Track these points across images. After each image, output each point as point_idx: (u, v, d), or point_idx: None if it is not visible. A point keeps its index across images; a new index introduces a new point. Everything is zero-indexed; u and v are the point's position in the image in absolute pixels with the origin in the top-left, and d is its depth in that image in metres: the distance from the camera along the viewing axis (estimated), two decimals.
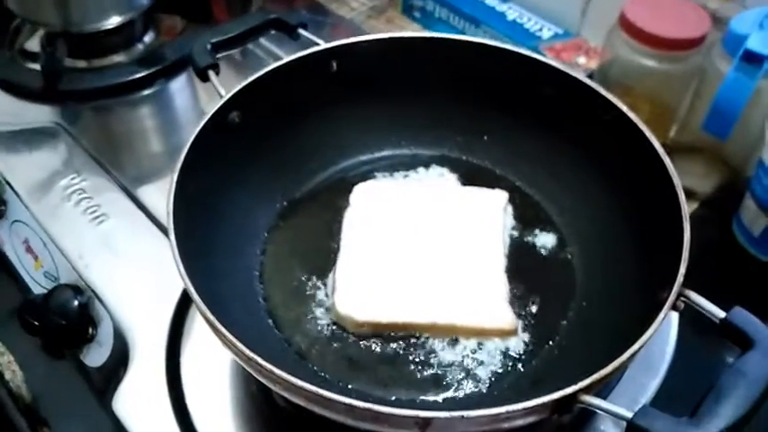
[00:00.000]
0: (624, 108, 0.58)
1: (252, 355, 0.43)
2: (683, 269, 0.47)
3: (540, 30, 0.91)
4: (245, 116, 0.61)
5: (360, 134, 0.69)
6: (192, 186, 0.55)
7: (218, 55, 0.63)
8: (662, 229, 0.53)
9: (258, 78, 0.60)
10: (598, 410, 0.42)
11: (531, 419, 0.44)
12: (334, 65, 0.65)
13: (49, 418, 0.66)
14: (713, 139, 0.78)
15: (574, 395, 0.42)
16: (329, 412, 0.44)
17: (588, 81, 0.61)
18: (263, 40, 0.87)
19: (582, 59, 0.89)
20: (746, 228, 0.76)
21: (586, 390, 0.42)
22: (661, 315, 0.45)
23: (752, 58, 0.69)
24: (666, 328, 0.60)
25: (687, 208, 0.51)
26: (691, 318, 0.60)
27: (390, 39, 0.65)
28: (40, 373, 0.68)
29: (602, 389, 0.47)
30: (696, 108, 0.80)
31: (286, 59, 0.62)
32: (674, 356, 0.59)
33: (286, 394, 0.45)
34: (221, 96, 0.59)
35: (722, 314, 0.45)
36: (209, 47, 0.62)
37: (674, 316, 0.61)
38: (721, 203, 0.81)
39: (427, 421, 0.41)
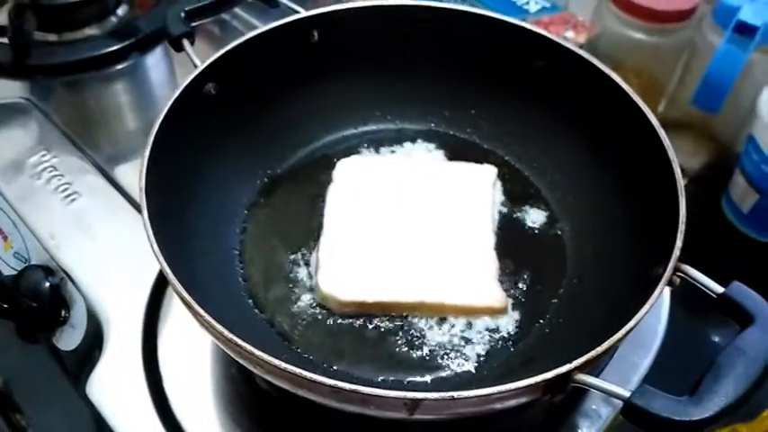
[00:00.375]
0: (618, 79, 0.56)
1: (231, 336, 0.42)
2: (679, 243, 0.46)
3: (528, 3, 0.89)
4: (221, 88, 0.58)
5: (343, 108, 0.67)
6: (167, 161, 0.52)
7: (193, 23, 0.60)
8: (656, 204, 0.51)
9: (234, 48, 0.58)
10: (594, 389, 0.41)
11: (523, 400, 0.43)
12: (316, 34, 0.63)
13: (22, 404, 0.64)
14: (702, 115, 0.77)
15: (568, 374, 0.40)
16: (314, 395, 0.42)
17: (581, 51, 0.59)
18: (242, 12, 0.85)
19: (570, 33, 0.87)
20: (736, 205, 0.75)
21: (580, 368, 0.41)
22: (657, 290, 0.44)
23: (744, 30, 0.68)
24: (658, 307, 0.59)
25: (682, 181, 0.49)
26: (682, 296, 0.60)
27: (374, 7, 0.63)
28: (12, 358, 0.65)
29: (594, 368, 0.46)
30: (686, 83, 0.78)
31: (264, 28, 0.60)
32: (666, 334, 0.58)
33: (269, 377, 0.44)
34: (196, 67, 0.56)
35: (720, 289, 0.44)
36: (182, 15, 0.60)
37: (666, 294, 0.60)
38: (710, 181, 0.80)
39: (416, 402, 0.40)
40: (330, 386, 0.40)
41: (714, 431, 0.60)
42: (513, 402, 0.42)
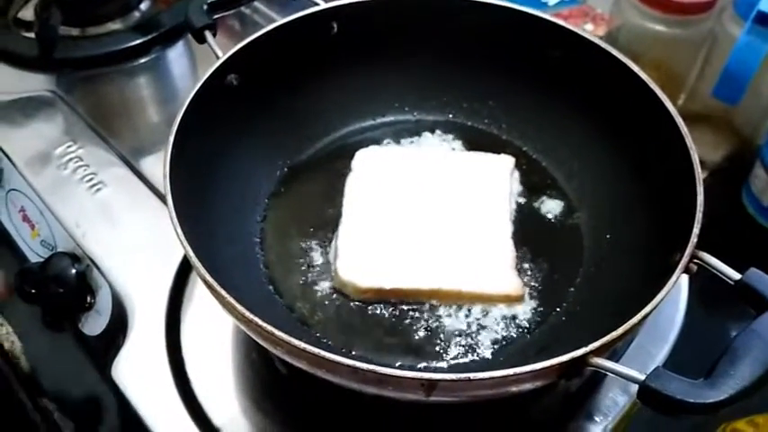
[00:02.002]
0: (636, 68, 0.56)
1: (252, 316, 0.42)
2: (696, 230, 0.46)
3: None
4: (243, 79, 0.59)
5: (362, 99, 0.67)
6: (191, 150, 0.53)
7: (215, 15, 0.61)
8: (673, 192, 0.51)
9: (255, 39, 0.59)
10: (609, 373, 0.41)
11: (539, 383, 0.43)
12: (335, 26, 0.63)
13: (49, 389, 0.65)
14: (723, 107, 0.77)
15: (583, 357, 0.41)
16: (332, 376, 0.43)
17: (596, 40, 0.59)
18: (262, 7, 0.86)
19: (589, 26, 0.87)
20: (756, 197, 0.75)
21: (596, 352, 0.41)
22: (674, 277, 0.44)
23: (765, 21, 0.67)
24: (676, 297, 0.59)
25: (700, 169, 0.49)
26: (700, 286, 0.60)
27: None
28: (39, 344, 0.67)
29: (610, 356, 0.46)
30: (706, 75, 0.78)
31: (285, 20, 0.60)
32: (683, 325, 0.58)
33: (288, 358, 0.44)
34: (218, 58, 0.57)
35: (737, 276, 0.44)
36: (205, 7, 0.60)
37: (684, 284, 0.60)
38: (730, 173, 0.79)
39: (433, 383, 0.40)
40: (348, 366, 0.40)
41: (732, 423, 0.60)
42: (528, 386, 0.43)
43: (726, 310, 0.65)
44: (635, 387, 0.40)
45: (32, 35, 0.81)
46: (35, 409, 0.66)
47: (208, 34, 0.60)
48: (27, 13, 0.87)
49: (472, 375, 0.40)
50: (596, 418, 0.53)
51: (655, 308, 0.43)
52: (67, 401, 0.64)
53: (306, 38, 0.62)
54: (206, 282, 0.45)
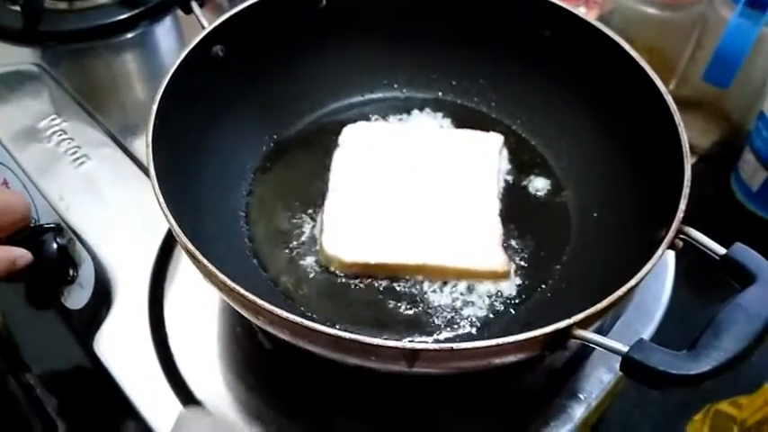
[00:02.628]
0: (627, 46, 0.56)
1: (234, 285, 0.42)
2: (683, 205, 0.46)
3: None
4: (229, 51, 0.59)
5: (350, 75, 0.67)
6: (174, 121, 0.53)
7: None
8: (661, 170, 0.51)
9: (242, 10, 0.58)
10: (593, 345, 0.41)
11: (522, 355, 0.43)
12: (324, 0, 0.63)
13: (31, 363, 0.65)
14: (713, 92, 0.77)
15: (567, 329, 0.41)
16: (315, 346, 0.43)
17: (590, 19, 0.59)
18: None
19: (582, 9, 0.86)
20: (745, 182, 0.75)
21: (580, 324, 0.41)
22: (660, 251, 0.44)
23: (756, 4, 0.67)
24: (663, 276, 0.59)
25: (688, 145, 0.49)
26: (686, 266, 0.60)
27: None
28: (21, 318, 0.66)
29: (597, 333, 0.46)
30: (697, 59, 0.78)
31: None
32: (670, 303, 0.58)
33: (270, 328, 0.44)
34: (204, 29, 0.57)
35: (722, 250, 0.44)
36: None
37: (671, 264, 0.60)
38: (720, 159, 0.80)
39: (416, 353, 0.40)
40: (330, 335, 0.40)
41: (716, 404, 0.60)
42: (512, 357, 0.43)
43: (711, 289, 0.65)
44: (618, 365, 0.40)
45: (18, 8, 0.80)
46: (17, 385, 0.65)
47: (194, 5, 0.59)
48: None
49: (455, 345, 0.40)
50: (580, 396, 0.52)
51: (640, 281, 0.43)
52: (50, 376, 0.64)
53: (294, 11, 0.62)
54: (188, 251, 0.44)
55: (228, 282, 0.42)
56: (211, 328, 0.57)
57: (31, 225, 0.61)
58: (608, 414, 0.58)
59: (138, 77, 0.80)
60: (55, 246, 0.60)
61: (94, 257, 0.60)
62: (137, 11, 0.81)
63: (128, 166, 0.67)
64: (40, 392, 0.64)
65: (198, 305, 0.57)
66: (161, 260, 0.60)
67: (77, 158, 0.67)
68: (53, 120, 0.70)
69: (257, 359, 0.55)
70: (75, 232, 0.61)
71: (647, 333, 0.56)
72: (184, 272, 0.59)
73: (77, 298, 0.60)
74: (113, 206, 0.64)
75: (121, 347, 0.56)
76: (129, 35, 0.81)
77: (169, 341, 0.56)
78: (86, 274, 0.60)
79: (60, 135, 0.69)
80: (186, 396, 0.53)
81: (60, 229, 0.61)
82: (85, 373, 0.59)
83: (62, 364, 0.63)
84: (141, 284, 0.59)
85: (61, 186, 0.65)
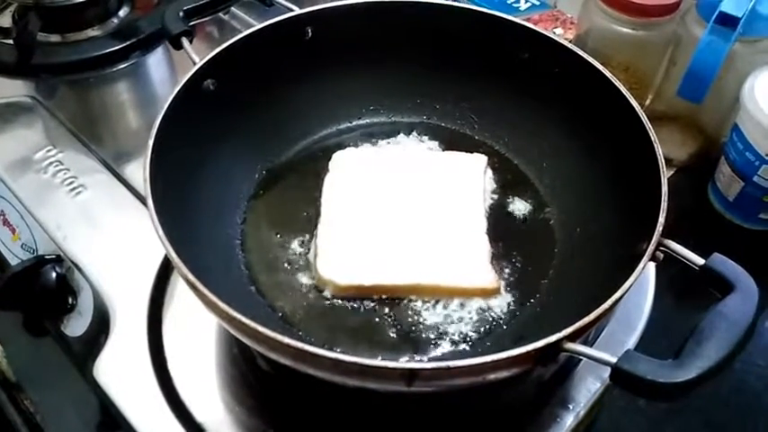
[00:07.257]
0: (600, 67, 0.58)
1: (236, 314, 0.43)
2: (661, 219, 0.48)
3: (518, 1, 0.91)
4: (220, 84, 0.60)
5: (338, 102, 0.69)
6: (170, 154, 0.54)
7: (191, 22, 0.62)
8: (640, 185, 0.53)
9: (231, 45, 0.60)
10: (583, 357, 0.43)
11: (516, 370, 0.45)
12: (309, 31, 0.65)
13: (31, 390, 0.65)
14: (688, 107, 0.79)
15: (558, 343, 0.42)
16: (315, 369, 0.44)
17: (564, 42, 0.61)
18: (240, 13, 0.87)
19: (559, 30, 0.89)
20: (722, 193, 0.77)
21: (570, 338, 0.43)
22: (641, 263, 0.46)
23: (726, 21, 0.69)
24: (644, 288, 0.61)
25: (664, 161, 0.51)
26: (667, 279, 0.62)
27: (366, 3, 0.65)
28: (20, 347, 0.67)
29: (583, 345, 0.48)
30: (671, 75, 0.80)
31: (259, 26, 0.61)
32: (652, 314, 0.60)
33: (271, 354, 0.45)
34: (195, 64, 0.58)
35: (701, 261, 0.46)
36: (181, 14, 0.62)
37: (652, 275, 0.62)
38: (697, 171, 0.82)
39: (414, 373, 0.42)
40: (331, 359, 0.41)
41: None
42: (506, 373, 0.44)
43: (691, 299, 0.67)
44: (606, 374, 0.41)
45: (11, 41, 0.82)
46: (17, 411, 0.65)
47: (184, 41, 0.61)
48: (5, 20, 0.88)
49: (451, 363, 0.41)
50: (569, 405, 0.54)
51: (624, 293, 0.45)
52: (50, 402, 0.64)
53: (281, 43, 0.63)
54: (189, 281, 0.45)
55: (230, 311, 0.43)
56: (210, 352, 0.58)
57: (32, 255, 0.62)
58: (597, 423, 0.60)
59: (131, 107, 0.82)
60: (54, 275, 0.61)
61: (93, 285, 0.61)
62: (128, 42, 0.83)
63: (123, 195, 0.69)
64: (39, 420, 0.65)
65: (196, 329, 0.58)
66: (158, 286, 0.61)
67: (74, 188, 0.68)
68: (49, 151, 0.71)
69: (256, 381, 0.56)
70: (73, 261, 0.63)
71: (630, 343, 0.58)
72: (181, 297, 0.60)
73: (77, 325, 0.61)
74: (110, 235, 0.65)
75: (121, 373, 0.56)
76: (122, 66, 0.82)
77: (168, 366, 0.56)
78: (85, 301, 0.61)
79: (56, 166, 0.70)
80: (186, 420, 0.54)
81: (60, 259, 0.62)
82: (86, 399, 0.60)
83: (62, 391, 0.64)
84: (139, 310, 0.60)
85: (58, 216, 0.66)
